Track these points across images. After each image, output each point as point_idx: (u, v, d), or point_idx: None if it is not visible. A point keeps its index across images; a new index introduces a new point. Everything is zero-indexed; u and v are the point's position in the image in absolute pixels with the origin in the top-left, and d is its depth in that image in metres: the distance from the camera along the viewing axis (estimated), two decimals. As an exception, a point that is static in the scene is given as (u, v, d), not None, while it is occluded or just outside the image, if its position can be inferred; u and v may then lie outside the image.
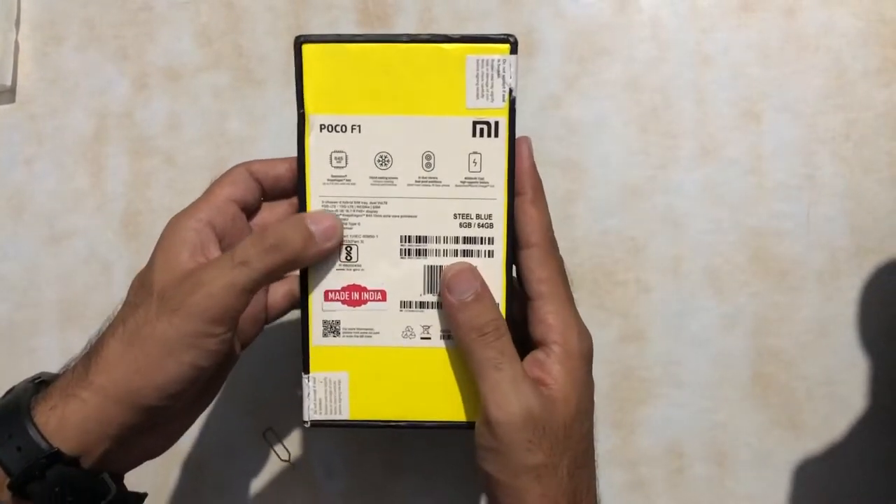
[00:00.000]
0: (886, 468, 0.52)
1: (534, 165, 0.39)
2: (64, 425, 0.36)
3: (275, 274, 0.37)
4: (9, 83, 0.56)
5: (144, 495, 0.41)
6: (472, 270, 0.38)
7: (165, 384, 0.36)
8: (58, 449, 0.35)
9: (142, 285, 0.38)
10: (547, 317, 0.38)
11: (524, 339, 0.40)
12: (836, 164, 0.53)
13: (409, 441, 0.54)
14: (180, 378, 0.36)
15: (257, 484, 0.55)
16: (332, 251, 0.39)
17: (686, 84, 0.54)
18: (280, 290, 0.45)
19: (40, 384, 0.39)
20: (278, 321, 0.54)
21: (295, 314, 0.53)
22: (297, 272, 0.40)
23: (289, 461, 0.54)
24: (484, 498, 0.54)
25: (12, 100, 0.57)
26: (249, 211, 0.42)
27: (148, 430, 0.38)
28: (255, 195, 0.42)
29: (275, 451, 0.54)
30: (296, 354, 0.53)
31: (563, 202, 0.53)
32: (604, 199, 0.54)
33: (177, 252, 0.38)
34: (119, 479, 0.39)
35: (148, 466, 0.54)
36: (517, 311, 0.41)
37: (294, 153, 0.40)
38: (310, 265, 0.39)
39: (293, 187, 0.41)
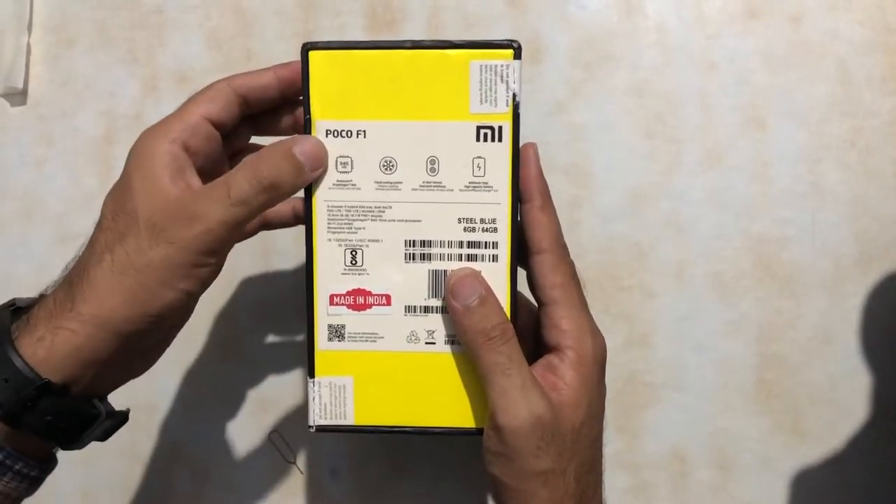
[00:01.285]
0: (889, 475, 0.52)
1: (541, 171, 0.39)
2: (52, 356, 0.36)
3: (268, 208, 0.38)
4: (20, 86, 0.57)
5: (128, 411, 0.41)
6: (476, 275, 0.38)
7: (161, 311, 0.37)
8: (48, 380, 0.35)
9: (122, 210, 0.37)
10: (561, 322, 0.38)
11: (536, 343, 0.40)
12: (841, 172, 0.53)
13: (413, 443, 0.54)
14: (175, 305, 0.37)
15: (262, 485, 0.55)
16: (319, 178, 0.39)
17: (691, 90, 0.54)
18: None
19: (15, 311, 0.38)
20: (286, 330, 0.54)
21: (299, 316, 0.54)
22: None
23: (294, 463, 0.55)
24: (490, 499, 0.54)
25: (24, 102, 0.58)
26: (225, 131, 0.41)
27: (134, 353, 0.38)
28: (234, 113, 0.40)
29: (280, 453, 0.55)
30: (301, 356, 0.54)
31: (568, 207, 0.53)
32: (609, 204, 0.54)
33: (157, 176, 0.37)
34: (104, 400, 0.39)
35: (153, 466, 0.55)
36: (527, 317, 0.41)
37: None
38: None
39: (280, 97, 0.41)
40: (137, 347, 0.38)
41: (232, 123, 0.41)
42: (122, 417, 0.41)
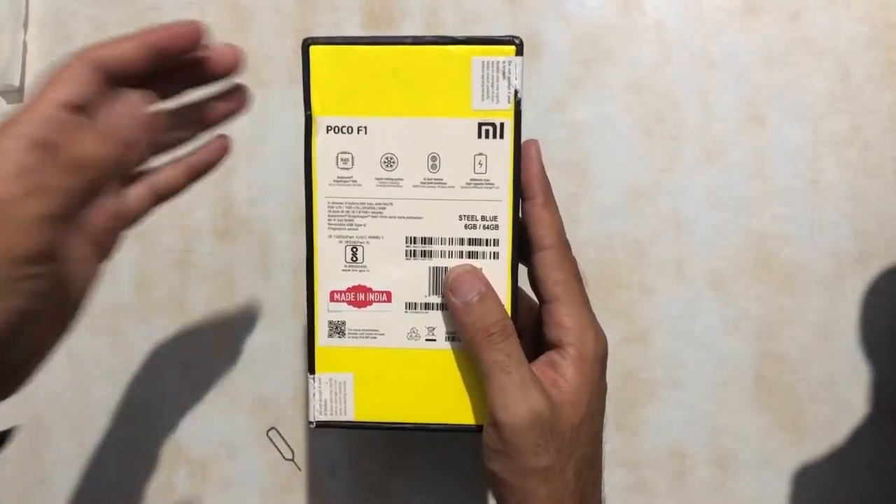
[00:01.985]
0: (888, 471, 0.52)
1: (543, 169, 0.39)
2: None
3: (83, 195, 0.34)
4: (17, 83, 0.56)
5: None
6: (475, 272, 0.38)
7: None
8: None
9: None
10: (563, 319, 0.38)
11: (537, 340, 0.40)
12: (840, 168, 0.53)
13: (412, 440, 0.54)
14: (7, 325, 0.32)
15: (261, 483, 0.55)
16: (141, 139, 0.36)
17: (690, 87, 0.54)
18: (133, 192, 0.39)
19: None
20: (284, 327, 0.54)
21: (298, 313, 0.54)
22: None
23: (292, 460, 0.54)
24: (489, 496, 0.54)
25: (20, 100, 0.57)
26: (96, 107, 0.35)
27: None
28: (98, 88, 0.35)
29: (278, 450, 0.55)
30: (299, 353, 0.54)
31: (566, 204, 0.53)
32: (608, 201, 0.54)
33: None
34: None
35: (151, 465, 0.55)
36: (527, 314, 0.41)
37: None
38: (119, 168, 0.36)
39: (145, 68, 0.36)
40: None
41: (101, 95, 0.35)
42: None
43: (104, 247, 0.38)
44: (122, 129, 0.35)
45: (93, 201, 0.36)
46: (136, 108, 0.36)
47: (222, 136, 0.42)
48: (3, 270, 0.31)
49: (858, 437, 0.52)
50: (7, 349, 0.33)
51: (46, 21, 0.58)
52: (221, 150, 0.42)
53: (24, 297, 0.32)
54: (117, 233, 0.39)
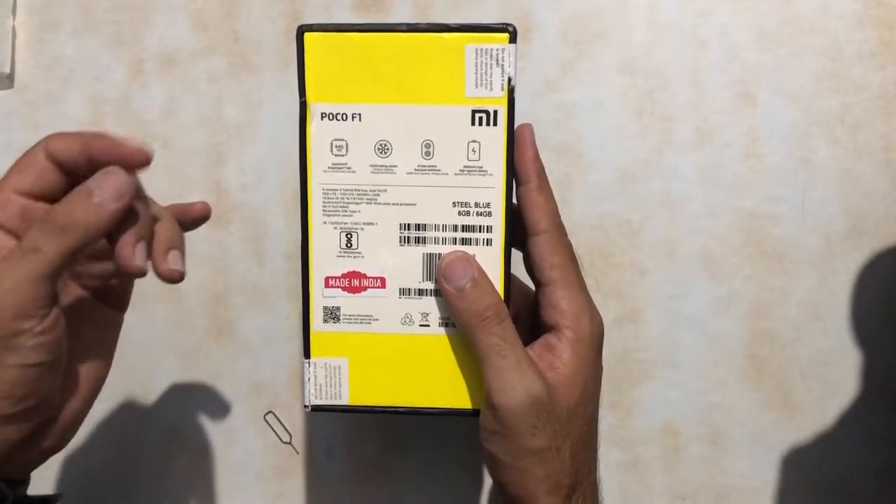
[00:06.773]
0: (877, 448, 0.52)
1: (537, 153, 0.39)
2: None
3: (75, 254, 0.34)
4: (7, 70, 0.56)
5: (57, 497, 0.39)
6: (467, 258, 0.39)
7: (6, 390, 0.34)
8: None
9: None
10: (559, 302, 0.38)
11: (532, 325, 0.41)
12: (831, 147, 0.53)
13: (410, 422, 0.54)
14: (17, 381, 0.34)
15: (259, 466, 0.55)
16: (127, 209, 0.35)
17: (682, 67, 0.54)
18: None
19: None
20: (279, 311, 0.54)
21: (292, 297, 0.54)
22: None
23: (290, 443, 0.55)
24: (485, 476, 0.54)
25: (10, 86, 0.57)
26: (50, 197, 0.37)
27: (32, 433, 0.36)
28: (53, 179, 0.37)
29: (276, 433, 0.55)
30: (295, 337, 0.54)
31: (559, 186, 0.53)
32: (600, 182, 0.54)
33: None
34: (17, 483, 0.38)
35: (149, 450, 0.55)
36: (521, 300, 0.42)
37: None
38: (112, 231, 0.35)
39: (87, 160, 0.37)
40: (29, 429, 0.36)
41: (56, 187, 0.37)
42: (40, 502, 0.38)
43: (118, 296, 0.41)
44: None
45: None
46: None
47: (203, 203, 0.43)
48: (3, 326, 0.33)
49: (848, 415, 0.53)
50: (36, 405, 0.35)
51: (34, 7, 0.57)
52: (199, 212, 0.43)
53: (26, 352, 0.34)
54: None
